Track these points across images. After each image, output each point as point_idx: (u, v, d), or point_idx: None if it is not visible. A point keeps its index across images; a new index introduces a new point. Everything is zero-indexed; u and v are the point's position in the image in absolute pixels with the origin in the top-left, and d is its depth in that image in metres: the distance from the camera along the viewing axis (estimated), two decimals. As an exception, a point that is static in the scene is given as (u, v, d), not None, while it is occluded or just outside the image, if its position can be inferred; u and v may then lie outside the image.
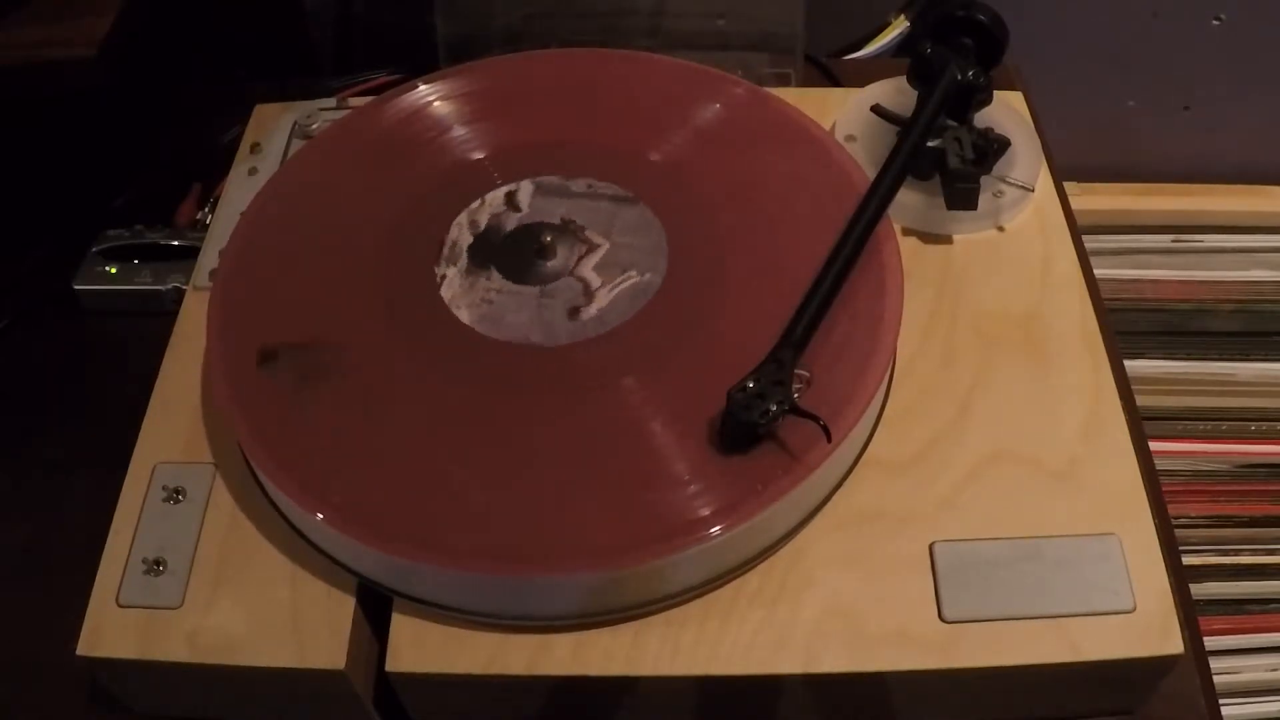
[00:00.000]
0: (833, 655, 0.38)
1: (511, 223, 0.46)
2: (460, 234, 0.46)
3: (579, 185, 0.48)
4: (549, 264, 0.45)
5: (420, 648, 0.38)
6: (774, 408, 0.37)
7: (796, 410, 0.38)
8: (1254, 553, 0.84)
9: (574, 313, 0.43)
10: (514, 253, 0.45)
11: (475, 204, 0.47)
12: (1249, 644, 0.81)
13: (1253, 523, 0.85)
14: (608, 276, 0.44)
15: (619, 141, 0.49)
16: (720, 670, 0.37)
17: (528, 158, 0.49)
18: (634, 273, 0.44)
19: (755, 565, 0.39)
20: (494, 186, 0.48)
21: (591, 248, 0.45)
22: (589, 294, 0.44)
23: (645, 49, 0.54)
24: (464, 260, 0.45)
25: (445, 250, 0.45)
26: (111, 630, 0.39)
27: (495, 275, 0.44)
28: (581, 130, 0.50)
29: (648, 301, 0.43)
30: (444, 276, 0.44)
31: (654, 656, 0.38)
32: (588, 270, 0.45)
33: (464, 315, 0.43)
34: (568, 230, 0.46)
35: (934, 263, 0.48)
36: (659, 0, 0.62)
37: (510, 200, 0.47)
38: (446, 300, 0.43)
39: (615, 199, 0.47)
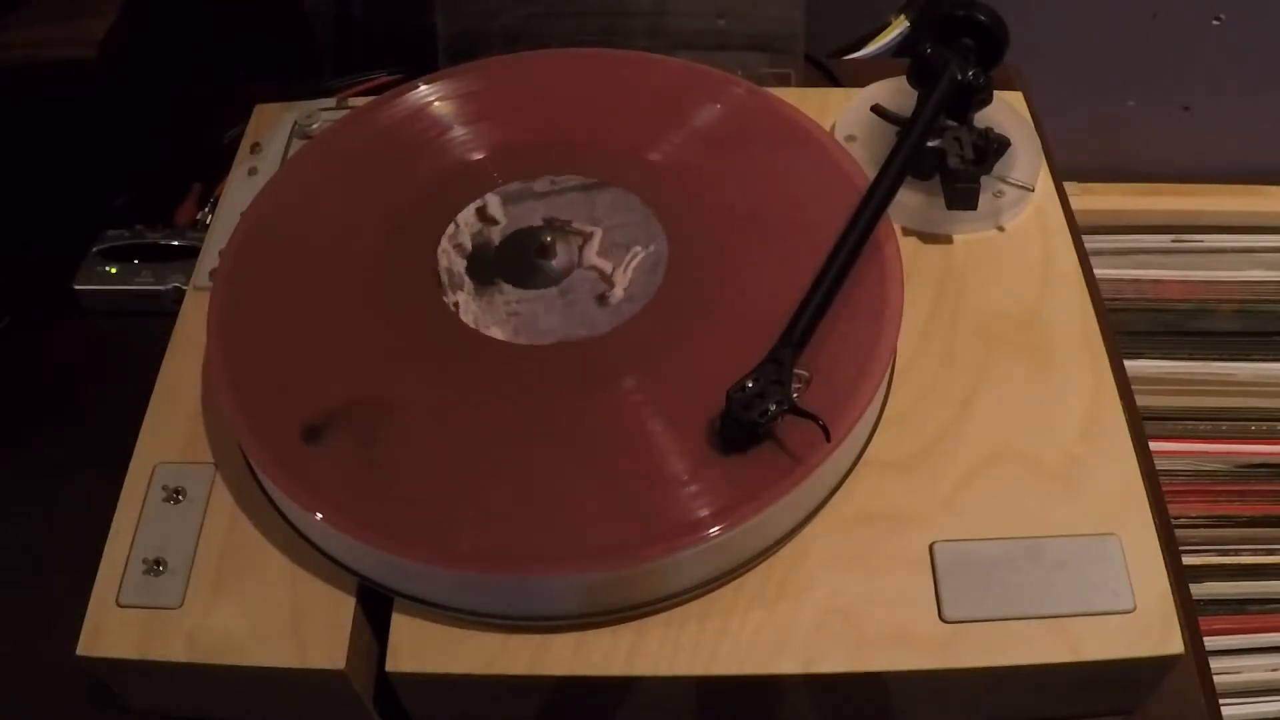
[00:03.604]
0: (833, 655, 0.38)
1: (496, 236, 0.46)
2: (451, 261, 0.45)
3: (542, 184, 0.48)
4: (554, 263, 0.45)
5: (420, 648, 0.38)
6: (773, 407, 0.37)
7: (796, 410, 0.38)
8: (1254, 553, 0.84)
9: (602, 299, 0.43)
10: (514, 262, 0.45)
11: (450, 229, 0.46)
12: (1249, 644, 0.81)
13: (1253, 523, 0.85)
14: (616, 257, 0.44)
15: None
16: (720, 670, 0.37)
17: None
18: (638, 247, 0.45)
19: (755, 565, 0.39)
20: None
21: (586, 236, 0.45)
22: (607, 278, 0.44)
23: (645, 49, 0.54)
24: (469, 284, 0.44)
25: (445, 280, 0.45)
26: (111, 630, 0.39)
27: (507, 288, 0.44)
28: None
29: (662, 282, 0.44)
30: (457, 304, 0.44)
31: (654, 656, 0.38)
32: (594, 257, 0.45)
33: (496, 333, 0.43)
34: (556, 227, 0.46)
35: (934, 263, 0.48)
36: (659, 0, 0.62)
37: (484, 216, 0.47)
38: (470, 325, 0.43)
39: (583, 188, 0.47)
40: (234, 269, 0.45)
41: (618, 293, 0.43)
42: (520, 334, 0.43)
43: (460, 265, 0.45)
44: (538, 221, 0.46)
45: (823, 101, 0.54)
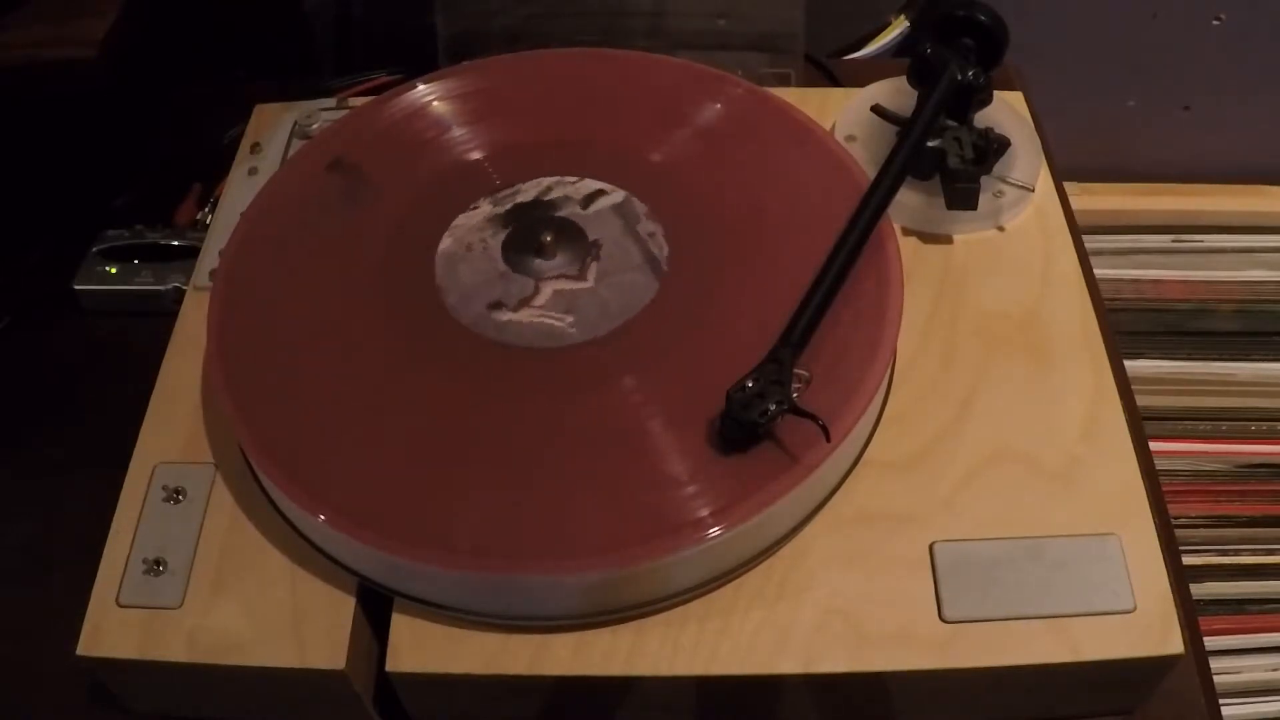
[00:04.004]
0: (833, 655, 0.38)
1: (565, 210, 0.47)
2: (531, 190, 0.47)
3: (647, 227, 0.46)
4: (536, 261, 0.45)
5: (420, 648, 0.38)
6: (773, 407, 0.37)
7: (795, 410, 0.38)
8: (1254, 553, 0.84)
9: (495, 306, 0.43)
10: (529, 231, 0.45)
11: (570, 177, 0.48)
12: (1249, 644, 0.81)
13: (1253, 523, 0.85)
14: (550, 306, 0.43)
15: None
16: (720, 670, 0.37)
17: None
18: (568, 320, 0.43)
19: (755, 565, 0.39)
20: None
21: (577, 278, 0.44)
22: (519, 303, 0.43)
23: (645, 49, 0.54)
24: (503, 210, 0.47)
25: (507, 190, 0.47)
26: (111, 630, 0.39)
27: (500, 236, 0.45)
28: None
29: (554, 346, 0.42)
30: (477, 206, 0.46)
31: (654, 656, 0.38)
32: (547, 290, 0.44)
33: (445, 243, 0.45)
34: (586, 250, 0.45)
35: (934, 263, 0.48)
36: (659, 0, 0.62)
37: (592, 195, 0.47)
38: (446, 224, 0.45)
39: (648, 259, 0.45)
40: (234, 269, 0.45)
41: (503, 314, 0.43)
42: (440, 264, 0.45)
43: (528, 197, 0.47)
44: (593, 237, 0.46)
45: (823, 101, 0.54)
